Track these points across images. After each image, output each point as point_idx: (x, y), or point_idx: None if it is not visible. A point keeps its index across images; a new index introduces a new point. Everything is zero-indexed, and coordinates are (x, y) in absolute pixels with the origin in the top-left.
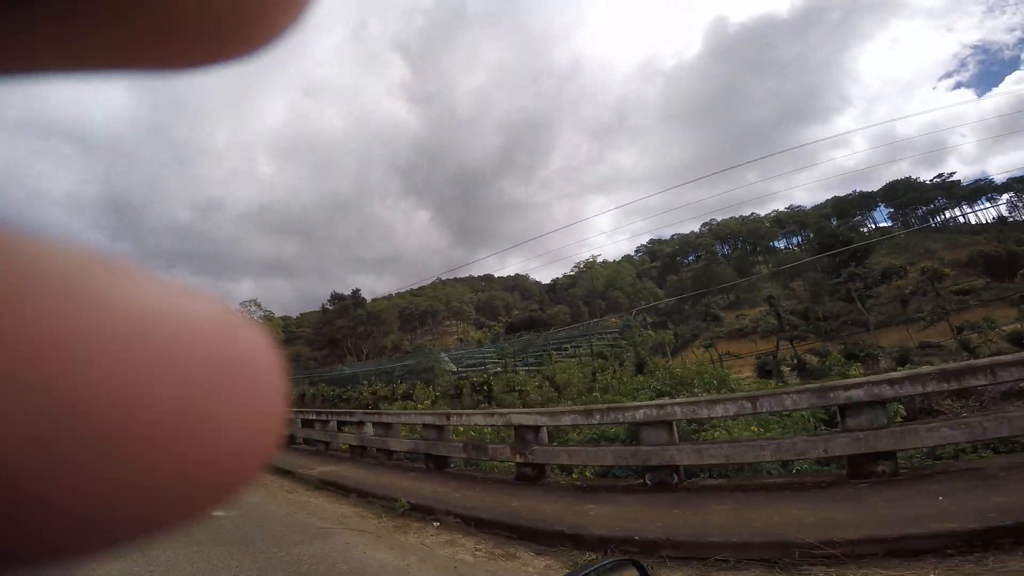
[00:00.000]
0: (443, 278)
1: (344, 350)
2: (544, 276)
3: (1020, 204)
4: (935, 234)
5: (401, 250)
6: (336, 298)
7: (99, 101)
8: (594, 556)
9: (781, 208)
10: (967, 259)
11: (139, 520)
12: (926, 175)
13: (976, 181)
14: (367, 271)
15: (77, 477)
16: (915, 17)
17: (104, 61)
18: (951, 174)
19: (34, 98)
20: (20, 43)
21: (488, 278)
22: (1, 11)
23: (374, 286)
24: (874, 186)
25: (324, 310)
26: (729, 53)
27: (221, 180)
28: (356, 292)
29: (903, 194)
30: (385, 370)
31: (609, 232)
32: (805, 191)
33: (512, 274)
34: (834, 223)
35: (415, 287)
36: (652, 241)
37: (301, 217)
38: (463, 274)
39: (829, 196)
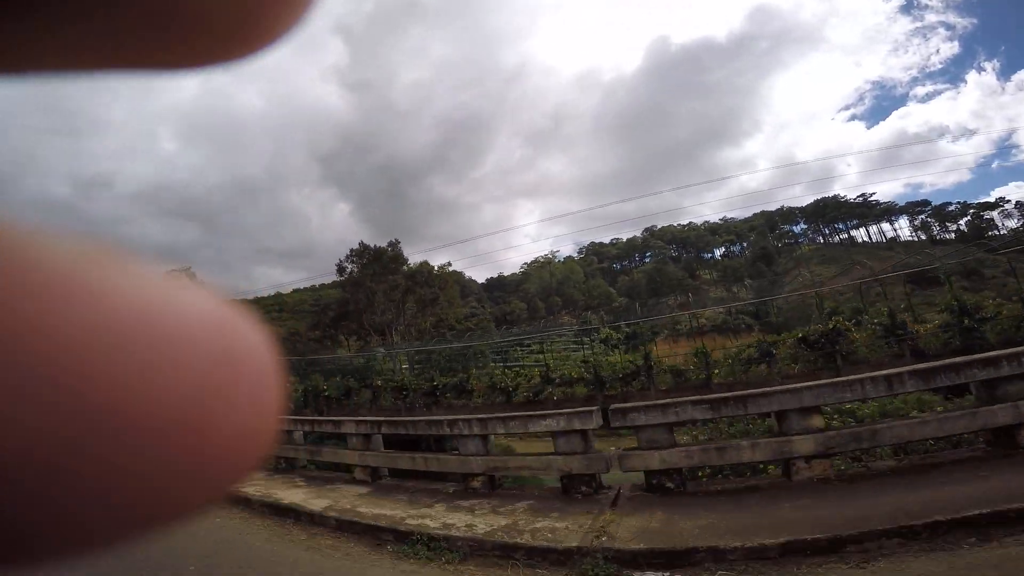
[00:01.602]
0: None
1: (365, 327)
2: (476, 275)
3: (919, 224)
4: (855, 247)
5: (315, 243)
6: (363, 252)
7: None
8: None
9: (701, 221)
10: (892, 268)
11: (137, 515)
12: (809, 199)
13: (887, 203)
14: (274, 263)
15: (74, 472)
16: (832, 51)
17: (104, 61)
18: (872, 194)
19: None
20: (18, 43)
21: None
22: (3, 8)
23: (281, 279)
24: (772, 206)
25: (342, 269)
26: (665, 72)
27: (113, 155)
28: (395, 243)
29: (832, 210)
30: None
31: (536, 237)
32: (711, 208)
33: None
34: (769, 236)
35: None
36: (592, 243)
37: (204, 201)
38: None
39: (732, 214)
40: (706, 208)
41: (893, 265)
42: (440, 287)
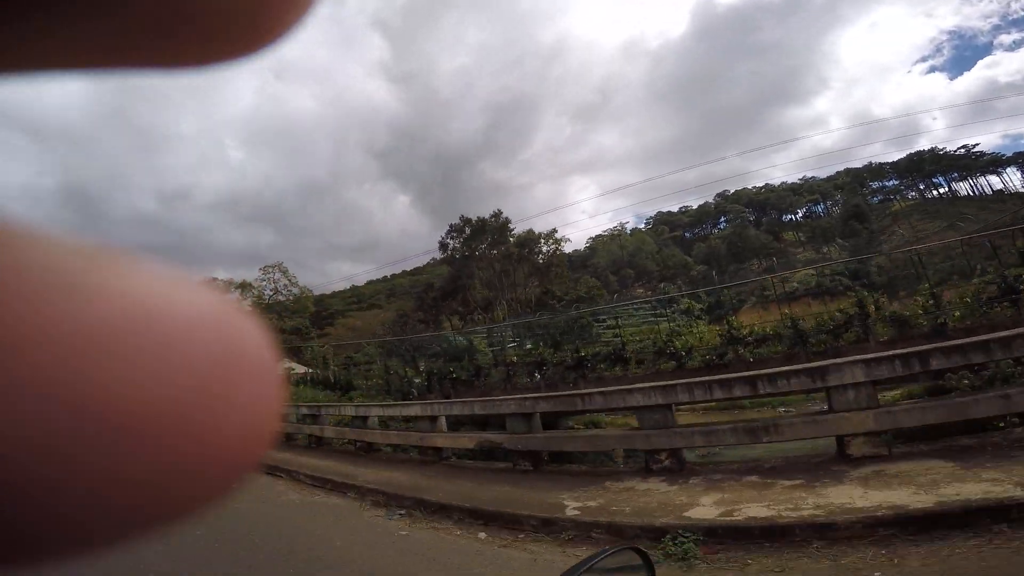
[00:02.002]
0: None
1: (469, 303)
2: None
3: None
4: (959, 201)
5: (380, 236)
6: (465, 226)
7: (51, 89)
8: None
9: (778, 182)
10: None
11: (137, 515)
12: (893, 155)
13: (993, 153)
14: (344, 258)
15: (73, 472)
16: (896, 3)
17: (104, 60)
18: (975, 145)
19: None
20: (19, 42)
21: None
22: (3, 8)
23: (351, 272)
24: (856, 163)
25: (444, 246)
26: (714, 34)
27: (189, 168)
28: (498, 214)
29: (930, 164)
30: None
31: (593, 212)
32: (782, 170)
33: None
34: (860, 192)
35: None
36: (660, 213)
37: (275, 205)
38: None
39: (809, 173)
40: (777, 170)
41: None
42: (552, 255)
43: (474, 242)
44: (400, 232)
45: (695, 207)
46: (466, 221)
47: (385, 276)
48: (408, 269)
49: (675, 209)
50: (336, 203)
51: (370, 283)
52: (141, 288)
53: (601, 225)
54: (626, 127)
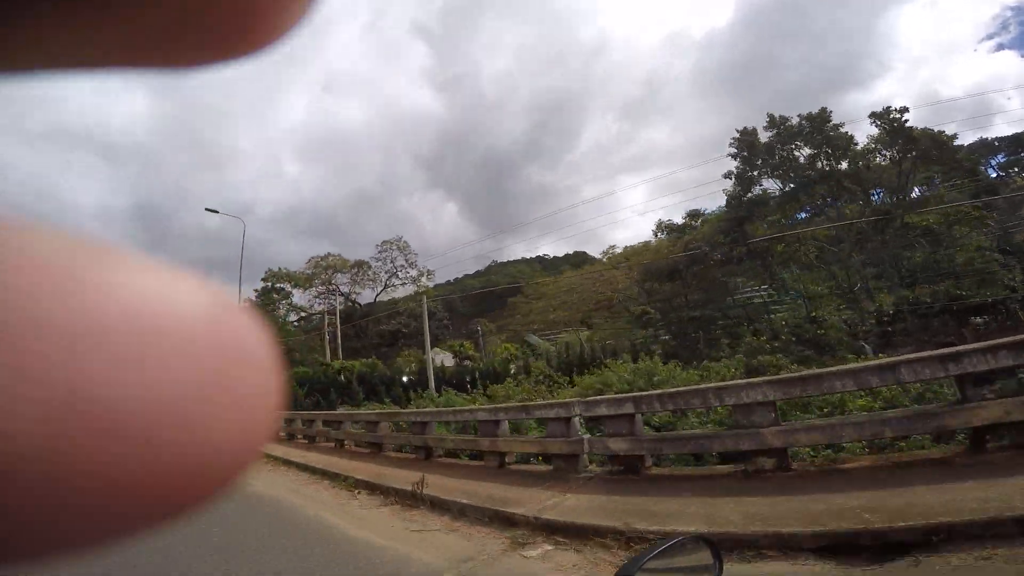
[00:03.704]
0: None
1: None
2: (591, 251)
3: None
4: None
5: (431, 244)
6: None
7: (118, 107)
8: None
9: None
10: None
11: (135, 512)
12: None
13: None
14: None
15: (72, 468)
16: None
17: (110, 59)
18: None
19: (54, 110)
20: (25, 41)
21: (540, 260)
22: (6, 9)
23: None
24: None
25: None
26: (763, 20)
27: (248, 183)
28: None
29: None
30: None
31: (644, 211)
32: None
33: (569, 252)
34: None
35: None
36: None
37: (330, 217)
38: (502, 258)
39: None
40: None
41: None
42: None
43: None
44: (449, 239)
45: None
46: (751, 131)
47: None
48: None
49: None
50: (387, 213)
51: (437, 286)
52: (138, 283)
53: (650, 222)
54: (677, 121)
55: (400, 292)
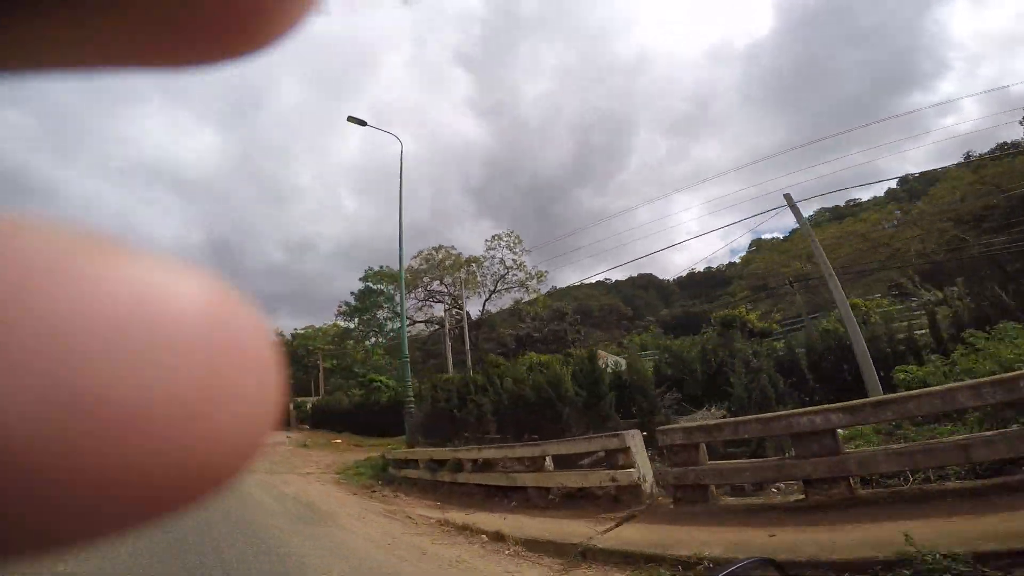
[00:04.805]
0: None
1: None
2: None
3: None
4: None
5: (483, 274)
6: None
7: (189, 143)
8: None
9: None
10: None
11: (132, 507)
12: None
13: None
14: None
15: (69, 463)
16: None
17: (106, 59)
18: None
19: (134, 146)
20: (24, 40)
21: (601, 284)
22: (3, 8)
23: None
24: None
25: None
26: (806, 26)
27: (309, 217)
28: None
29: None
30: None
31: (699, 231)
32: (913, 164)
33: (633, 275)
34: None
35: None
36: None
37: (386, 250)
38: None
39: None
40: (908, 164)
41: None
42: None
43: None
44: (498, 267)
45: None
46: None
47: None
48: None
49: (811, 213)
50: (438, 243)
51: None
52: (138, 276)
53: (710, 243)
54: (728, 135)
55: (505, 299)
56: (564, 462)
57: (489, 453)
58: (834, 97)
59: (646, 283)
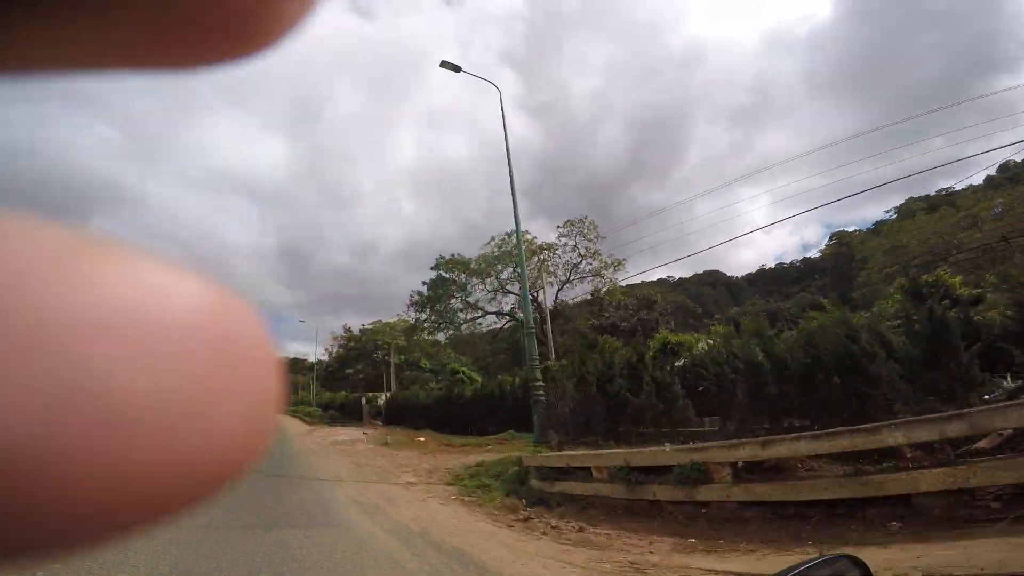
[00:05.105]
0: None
1: None
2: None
3: None
4: None
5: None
6: None
7: (260, 152)
8: None
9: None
10: None
11: (129, 510)
12: None
13: None
14: (510, 297)
15: (67, 464)
16: None
17: (104, 60)
18: None
19: (209, 156)
20: (18, 43)
21: (661, 282)
22: (2, 9)
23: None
24: None
25: None
26: (873, 9)
27: (372, 221)
28: None
29: None
30: None
31: (765, 224)
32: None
33: (699, 272)
34: None
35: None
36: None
37: (445, 251)
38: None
39: None
40: (1005, 151)
41: None
42: None
43: None
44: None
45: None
46: None
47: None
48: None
49: (885, 212)
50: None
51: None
52: (136, 276)
53: (778, 239)
54: (795, 125)
55: (577, 291)
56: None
57: (793, 447)
58: (910, 80)
59: (713, 280)
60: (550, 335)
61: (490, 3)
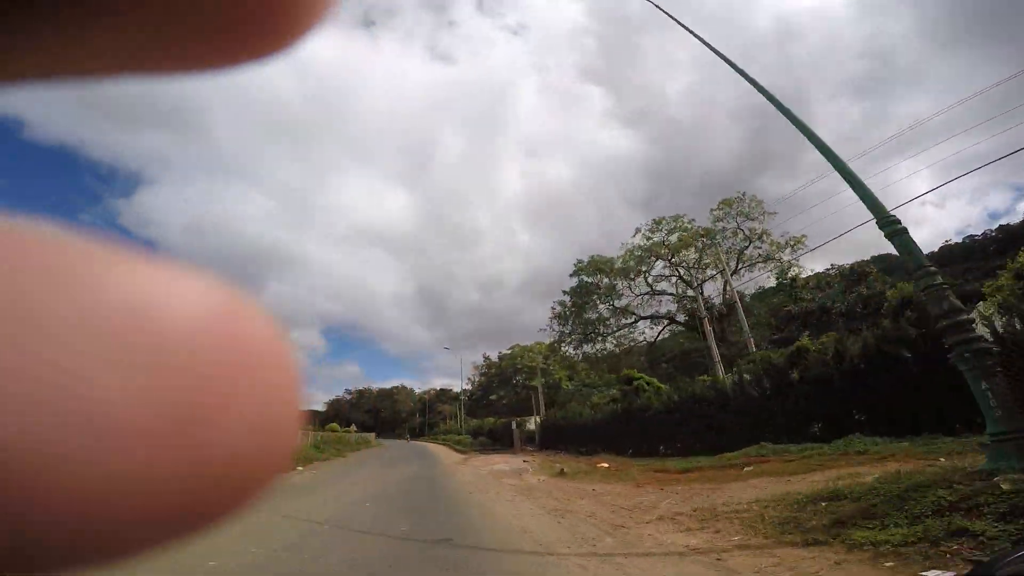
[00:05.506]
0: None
1: None
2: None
3: None
4: None
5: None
6: None
7: (386, 204)
8: None
9: None
10: None
11: (140, 526)
12: None
13: None
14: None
15: (72, 477)
16: None
17: (108, 66)
18: None
19: (346, 214)
20: (27, 49)
21: (819, 276)
22: (6, 13)
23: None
24: None
25: None
26: None
27: (493, 256)
28: None
29: None
30: None
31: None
32: None
33: (864, 258)
34: None
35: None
36: None
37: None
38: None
39: None
40: None
41: None
42: None
43: None
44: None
45: None
46: None
47: None
48: None
49: None
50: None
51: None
52: (142, 280)
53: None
54: (933, 83)
55: (745, 279)
56: None
57: None
58: None
59: (883, 265)
60: (745, 326)
61: (553, 24)
